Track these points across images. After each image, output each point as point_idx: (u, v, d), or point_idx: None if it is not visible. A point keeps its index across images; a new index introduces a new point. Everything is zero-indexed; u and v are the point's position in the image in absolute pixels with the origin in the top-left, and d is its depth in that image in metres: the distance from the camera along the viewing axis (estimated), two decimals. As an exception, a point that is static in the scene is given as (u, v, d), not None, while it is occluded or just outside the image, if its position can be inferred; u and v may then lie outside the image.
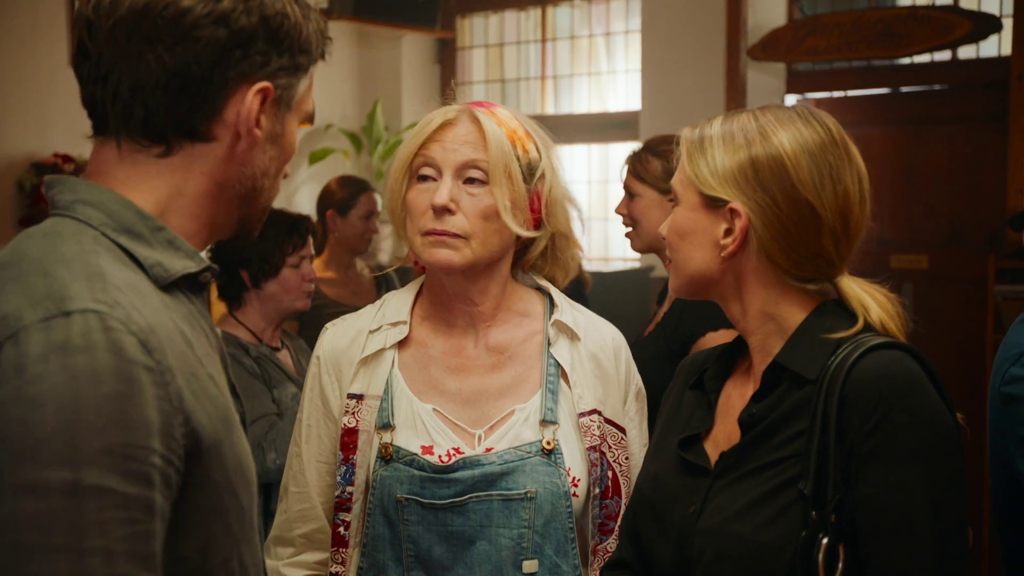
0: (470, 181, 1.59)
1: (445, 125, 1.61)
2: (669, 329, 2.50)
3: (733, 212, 1.37)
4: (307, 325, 3.66)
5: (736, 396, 1.45)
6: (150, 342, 0.98)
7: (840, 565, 1.25)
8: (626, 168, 2.74)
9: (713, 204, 1.39)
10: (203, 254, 1.19)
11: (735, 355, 1.50)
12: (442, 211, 1.57)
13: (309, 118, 1.21)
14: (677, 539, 1.38)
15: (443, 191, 1.57)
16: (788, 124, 1.38)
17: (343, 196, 4.01)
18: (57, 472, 0.92)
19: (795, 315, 1.39)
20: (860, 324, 1.36)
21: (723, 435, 1.42)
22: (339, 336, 1.68)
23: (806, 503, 1.26)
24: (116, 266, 1.04)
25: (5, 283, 1.00)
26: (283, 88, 1.13)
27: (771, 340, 1.40)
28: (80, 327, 0.95)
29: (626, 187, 2.72)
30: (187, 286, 1.13)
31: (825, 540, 1.24)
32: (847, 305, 1.39)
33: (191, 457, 1.01)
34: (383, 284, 4.13)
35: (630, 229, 2.72)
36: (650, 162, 2.66)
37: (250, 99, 1.10)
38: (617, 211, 2.75)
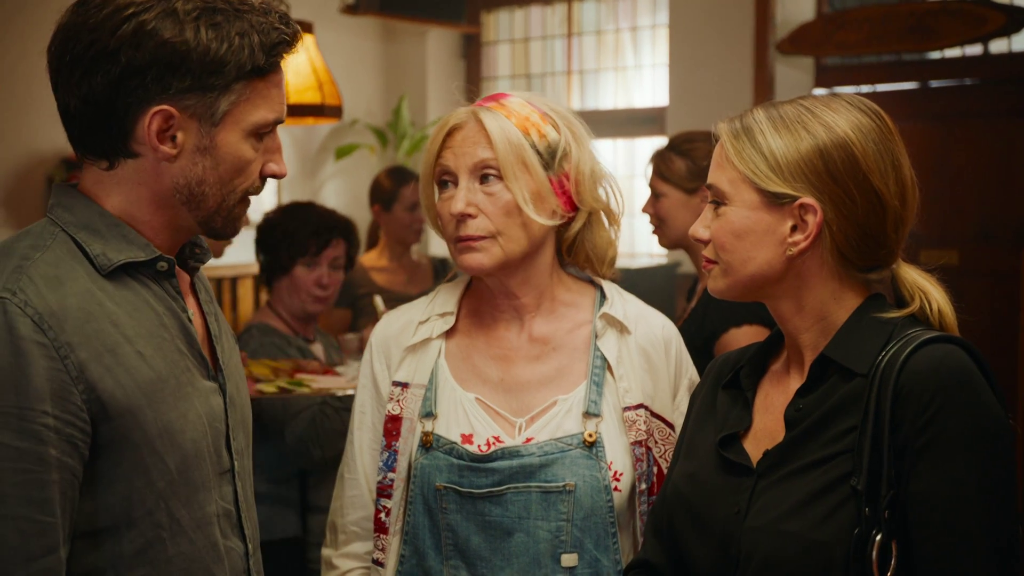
0: (485, 180, 1.59)
1: (453, 130, 1.62)
2: (694, 326, 2.49)
3: (804, 207, 1.32)
4: (359, 314, 3.69)
5: (775, 394, 1.42)
6: (46, 322, 1.19)
7: (893, 562, 1.23)
8: (651, 167, 2.73)
9: (777, 200, 1.33)
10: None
11: (769, 354, 1.47)
12: (463, 217, 1.58)
13: (262, 127, 1.31)
14: (720, 539, 1.35)
15: (459, 199, 1.58)
16: (844, 112, 1.34)
17: (387, 189, 4.00)
18: None
19: (847, 308, 1.36)
20: (916, 305, 1.34)
21: (764, 433, 1.39)
22: (391, 324, 1.72)
23: (859, 499, 1.24)
24: (55, 258, 1.25)
25: None
26: (194, 107, 1.26)
27: (822, 337, 1.37)
28: None
29: (651, 186, 2.71)
30: (147, 274, 1.31)
31: (879, 537, 1.22)
32: (901, 291, 1.36)
33: (101, 420, 1.21)
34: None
35: (656, 227, 2.72)
36: (674, 162, 2.65)
37: (147, 121, 1.26)
38: (644, 210, 2.75)
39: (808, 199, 1.32)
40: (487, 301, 1.68)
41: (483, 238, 1.58)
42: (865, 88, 4.94)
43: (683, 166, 2.63)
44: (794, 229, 1.33)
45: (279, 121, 1.34)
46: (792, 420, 1.35)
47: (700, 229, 1.41)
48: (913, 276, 1.37)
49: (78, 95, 1.26)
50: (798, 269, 1.35)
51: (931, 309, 1.34)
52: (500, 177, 1.59)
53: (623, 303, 1.70)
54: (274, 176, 1.36)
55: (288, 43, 1.31)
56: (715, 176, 1.39)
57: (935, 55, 4.76)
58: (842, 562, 1.24)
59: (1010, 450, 1.25)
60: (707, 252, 1.41)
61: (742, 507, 1.34)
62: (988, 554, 1.22)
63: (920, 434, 1.23)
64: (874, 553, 1.22)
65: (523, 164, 1.59)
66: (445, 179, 1.62)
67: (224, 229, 1.36)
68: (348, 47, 5.56)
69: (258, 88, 1.30)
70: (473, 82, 5.90)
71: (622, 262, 5.35)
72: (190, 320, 1.36)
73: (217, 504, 1.34)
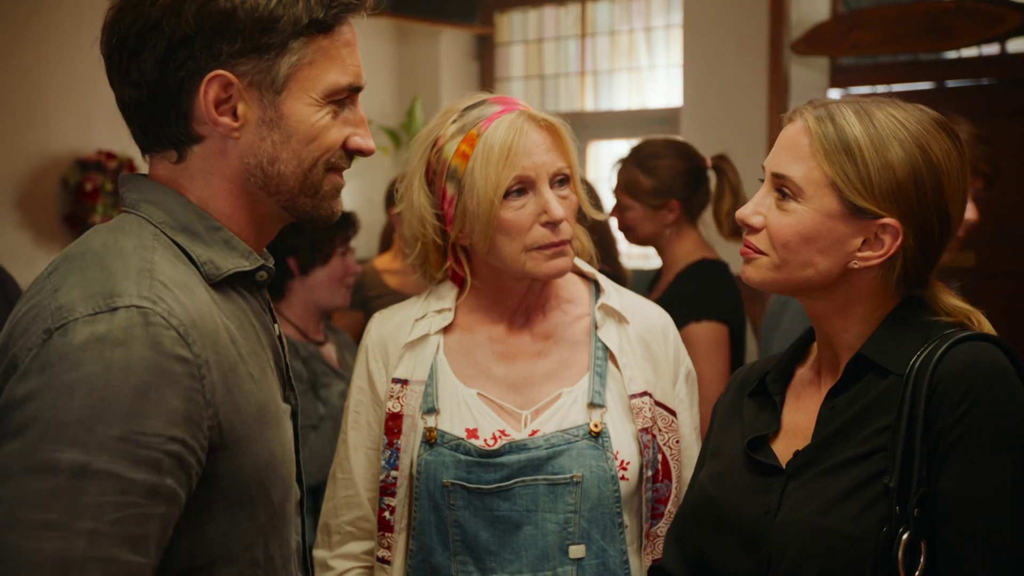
0: (559, 183, 1.60)
1: (524, 136, 1.58)
2: None
3: (884, 227, 1.30)
4: (371, 315, 3.69)
5: (807, 396, 1.40)
6: (190, 335, 1.05)
7: (922, 560, 1.21)
8: (615, 178, 2.81)
9: (859, 214, 1.30)
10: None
11: (795, 360, 1.46)
12: (560, 222, 1.58)
13: (335, 93, 1.17)
14: (749, 540, 1.33)
15: (556, 204, 1.58)
16: (935, 133, 1.31)
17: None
18: (71, 454, 0.99)
19: (886, 310, 1.35)
20: (957, 320, 1.32)
21: (794, 434, 1.38)
22: (386, 322, 1.71)
23: (890, 497, 1.23)
24: (169, 262, 1.11)
25: (68, 275, 1.09)
26: (252, 72, 1.13)
27: (860, 338, 1.35)
28: (123, 321, 1.03)
29: (616, 197, 2.80)
30: (243, 284, 1.19)
31: (905, 535, 1.21)
32: (937, 310, 1.34)
33: (216, 448, 1.08)
34: None
35: (622, 229, 2.84)
36: (640, 180, 2.72)
37: (202, 92, 1.13)
38: (612, 215, 2.84)
39: (892, 221, 1.29)
40: (495, 300, 1.67)
41: (569, 241, 1.60)
42: (881, 88, 4.91)
43: (649, 185, 2.71)
44: (864, 243, 1.31)
45: (356, 87, 1.19)
46: (825, 419, 1.33)
47: (753, 216, 1.35)
48: (950, 299, 1.35)
49: (130, 81, 1.15)
50: (852, 279, 1.33)
51: (980, 326, 1.33)
52: (569, 181, 1.61)
53: (619, 295, 1.70)
54: (360, 152, 1.21)
55: None
56: (789, 167, 1.33)
57: (951, 55, 4.73)
58: (873, 559, 1.22)
59: None
60: (756, 240, 1.35)
61: (772, 506, 1.32)
62: (1012, 552, 1.20)
63: (952, 430, 1.22)
64: (900, 552, 1.20)
65: (577, 168, 1.64)
66: (520, 187, 1.58)
67: (317, 211, 1.22)
68: (361, 48, 5.52)
69: (323, 48, 1.16)
70: (487, 83, 5.89)
71: (635, 263, 5.33)
72: (279, 336, 1.25)
73: (294, 539, 1.24)
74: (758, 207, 1.35)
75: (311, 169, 1.18)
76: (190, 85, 1.13)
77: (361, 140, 1.21)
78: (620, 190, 2.77)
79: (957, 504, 1.22)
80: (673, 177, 2.70)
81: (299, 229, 2.86)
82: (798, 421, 1.39)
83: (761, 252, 1.35)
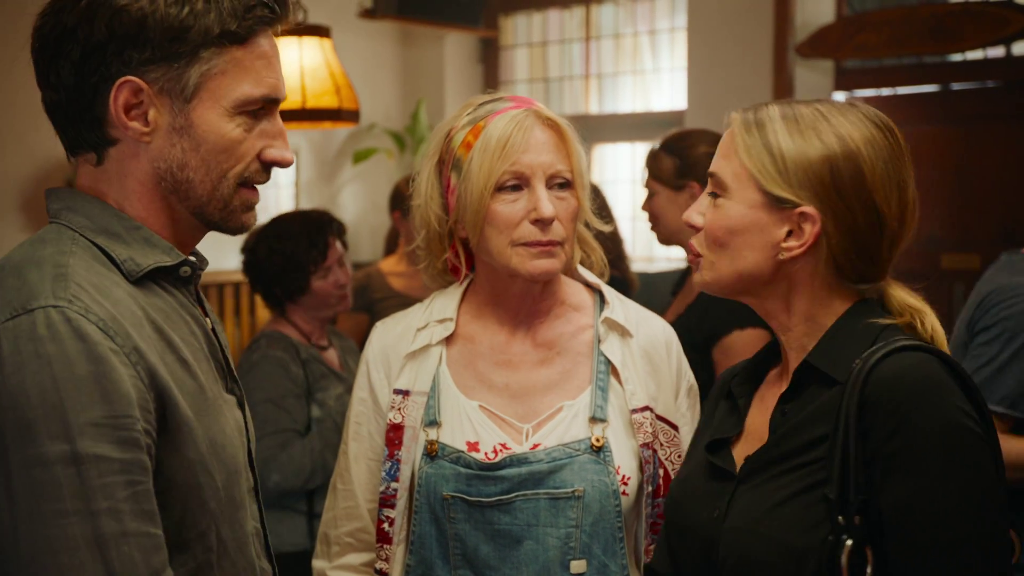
0: (559, 186, 1.60)
1: (524, 133, 1.58)
2: (693, 321, 2.50)
3: (803, 216, 1.31)
4: (376, 318, 3.70)
5: (769, 398, 1.42)
6: (111, 328, 1.10)
7: (869, 568, 1.21)
8: (645, 167, 2.79)
9: (778, 204, 1.32)
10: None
11: (767, 362, 1.47)
12: (550, 221, 1.58)
13: (247, 104, 1.20)
14: (702, 543, 1.35)
15: (547, 203, 1.57)
16: (859, 124, 1.33)
17: (408, 196, 3.98)
18: (54, 446, 1.04)
19: (836, 312, 1.36)
20: (905, 319, 1.33)
21: (753, 438, 1.39)
22: (388, 332, 1.70)
23: (831, 507, 1.23)
24: (86, 264, 1.16)
25: None
26: (162, 79, 1.17)
27: (808, 339, 1.36)
28: (43, 320, 1.08)
29: (645, 186, 2.78)
30: (168, 280, 1.23)
31: (849, 542, 1.21)
32: (890, 309, 1.36)
33: (162, 433, 1.13)
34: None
35: (652, 224, 2.79)
36: (663, 160, 2.70)
37: (112, 96, 1.17)
38: (643, 208, 2.81)
39: (809, 209, 1.31)
40: (497, 306, 1.67)
41: (559, 243, 1.59)
42: (885, 91, 4.90)
43: (671, 164, 2.68)
44: (790, 234, 1.32)
45: (272, 99, 1.22)
46: (776, 424, 1.34)
47: (694, 215, 1.40)
48: (903, 296, 1.36)
49: (50, 85, 1.20)
50: (788, 273, 1.35)
51: (923, 326, 1.34)
52: (569, 185, 1.60)
53: (623, 307, 1.70)
54: (276, 163, 1.24)
55: (268, 8, 1.20)
56: (719, 165, 1.38)
57: (956, 57, 4.72)
58: (815, 568, 1.22)
59: (980, 460, 1.22)
60: (696, 242, 1.40)
61: (722, 511, 1.33)
62: (960, 561, 1.20)
63: (887, 442, 1.22)
64: (844, 559, 1.20)
65: (582, 173, 1.63)
66: (515, 183, 1.59)
67: (226, 223, 1.24)
68: (366, 51, 5.57)
69: (237, 59, 1.19)
70: (491, 86, 5.90)
71: (640, 266, 5.33)
72: (212, 330, 1.28)
73: (250, 523, 1.27)
74: (699, 208, 1.39)
75: (220, 181, 1.22)
76: (103, 90, 1.18)
77: (276, 152, 1.23)
78: (648, 177, 2.75)
79: (901, 517, 1.21)
80: (695, 159, 2.67)
81: (266, 267, 2.83)
82: (759, 425, 1.40)
83: (701, 254, 1.39)
